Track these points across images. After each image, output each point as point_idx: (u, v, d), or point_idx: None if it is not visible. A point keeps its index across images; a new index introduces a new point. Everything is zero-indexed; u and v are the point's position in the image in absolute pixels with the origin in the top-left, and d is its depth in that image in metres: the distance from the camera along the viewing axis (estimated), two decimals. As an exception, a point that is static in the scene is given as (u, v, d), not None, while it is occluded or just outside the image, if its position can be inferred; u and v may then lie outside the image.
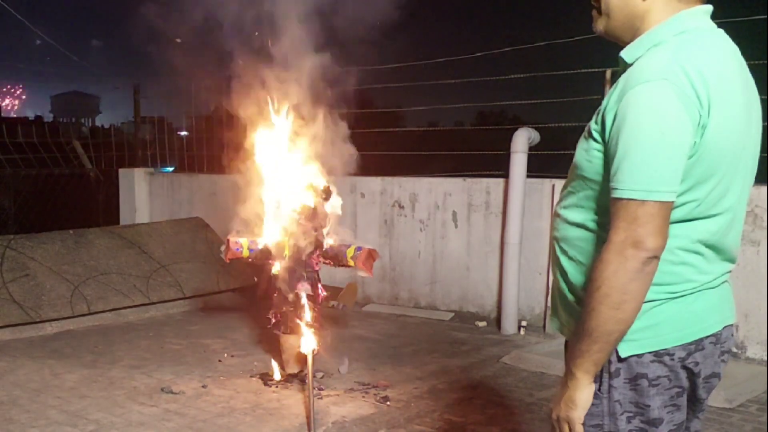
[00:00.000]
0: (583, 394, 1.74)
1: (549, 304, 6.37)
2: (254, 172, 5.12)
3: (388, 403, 4.54)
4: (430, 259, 7.25)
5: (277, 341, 5.05)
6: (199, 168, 9.39)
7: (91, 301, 6.69)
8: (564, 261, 1.89)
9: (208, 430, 4.11)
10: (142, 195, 9.73)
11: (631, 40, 1.80)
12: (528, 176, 6.48)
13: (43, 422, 4.19)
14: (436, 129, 10.41)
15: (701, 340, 1.80)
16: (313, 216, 4.84)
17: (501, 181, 6.73)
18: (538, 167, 6.66)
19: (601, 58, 6.77)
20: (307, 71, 4.98)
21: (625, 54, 1.79)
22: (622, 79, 1.72)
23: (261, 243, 5.01)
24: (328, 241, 4.97)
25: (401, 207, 7.44)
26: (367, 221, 7.57)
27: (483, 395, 4.75)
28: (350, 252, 4.80)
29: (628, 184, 1.63)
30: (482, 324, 6.68)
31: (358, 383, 4.88)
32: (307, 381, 4.44)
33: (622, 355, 1.76)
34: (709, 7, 1.83)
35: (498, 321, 6.59)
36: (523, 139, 6.43)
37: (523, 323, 6.47)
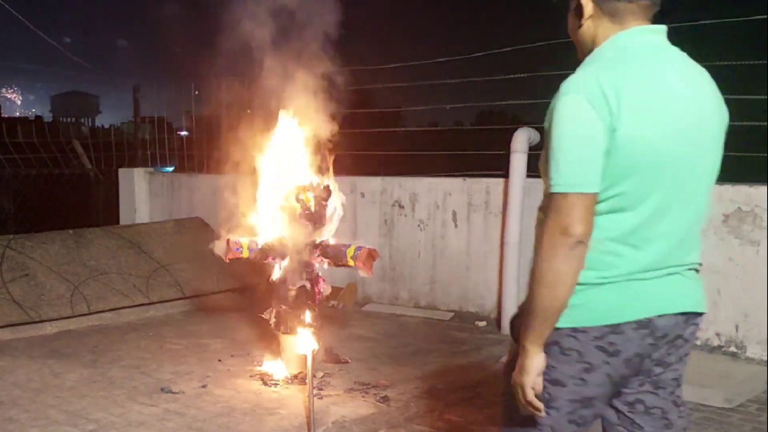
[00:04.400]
0: (533, 362, 1.97)
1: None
2: (254, 172, 5.12)
3: (388, 403, 4.54)
4: (430, 258, 7.25)
5: (277, 341, 5.05)
6: (199, 168, 9.39)
7: (91, 300, 6.69)
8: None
9: (208, 430, 4.11)
10: (142, 195, 9.72)
11: None
12: (528, 176, 6.47)
13: (43, 422, 4.19)
14: (436, 129, 10.43)
15: (618, 325, 1.98)
16: (313, 215, 4.84)
17: (501, 180, 6.73)
18: (537, 167, 6.65)
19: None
20: (308, 72, 4.99)
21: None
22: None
23: (260, 242, 5.01)
24: (329, 241, 4.97)
25: (401, 207, 7.43)
26: (367, 221, 7.57)
27: (483, 395, 4.74)
28: (350, 252, 4.80)
29: (554, 180, 1.90)
30: (482, 324, 6.68)
31: (358, 383, 4.88)
32: (306, 381, 4.44)
33: None
34: (652, 27, 2.03)
35: (498, 321, 6.59)
36: (523, 139, 6.43)
37: (523, 323, 6.46)
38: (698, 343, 5.72)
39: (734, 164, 6.59)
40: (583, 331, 1.98)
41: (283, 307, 4.91)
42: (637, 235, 1.96)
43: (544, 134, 1.98)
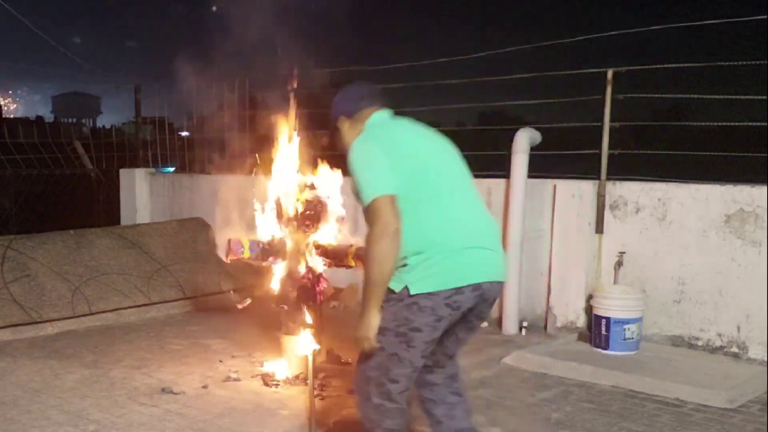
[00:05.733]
0: (374, 320, 2.78)
1: (549, 303, 6.37)
2: (255, 172, 5.12)
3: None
4: (431, 259, 7.23)
5: (279, 342, 5.05)
6: (200, 168, 9.39)
7: (92, 301, 6.69)
8: None
9: (209, 431, 4.11)
10: (143, 195, 9.73)
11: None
12: (529, 176, 6.47)
13: (43, 422, 4.19)
14: (437, 129, 10.42)
15: (461, 288, 2.78)
16: (314, 215, 4.84)
17: (502, 181, 6.72)
18: (539, 167, 6.65)
19: (602, 58, 6.76)
20: (310, 72, 4.98)
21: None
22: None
23: (261, 243, 5.00)
24: (330, 241, 4.96)
25: (402, 207, 7.42)
26: (368, 221, 7.55)
27: (484, 396, 4.74)
28: (351, 252, 4.79)
29: (366, 193, 2.74)
30: (483, 324, 6.65)
31: (359, 384, 4.86)
32: (308, 382, 4.44)
33: (412, 292, 2.76)
34: (385, 111, 3.12)
35: (499, 321, 6.58)
36: (524, 140, 6.42)
37: (525, 324, 6.46)
38: (700, 343, 5.72)
39: (735, 164, 6.62)
40: (436, 294, 2.75)
41: (285, 307, 4.90)
42: (447, 224, 2.79)
43: (351, 174, 2.81)
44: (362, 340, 2.80)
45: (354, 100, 3.17)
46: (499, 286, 2.93)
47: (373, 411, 2.92)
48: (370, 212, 2.71)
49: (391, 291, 2.81)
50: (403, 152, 2.84)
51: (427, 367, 3.05)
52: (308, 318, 4.79)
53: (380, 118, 3.09)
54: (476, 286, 2.81)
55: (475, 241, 2.84)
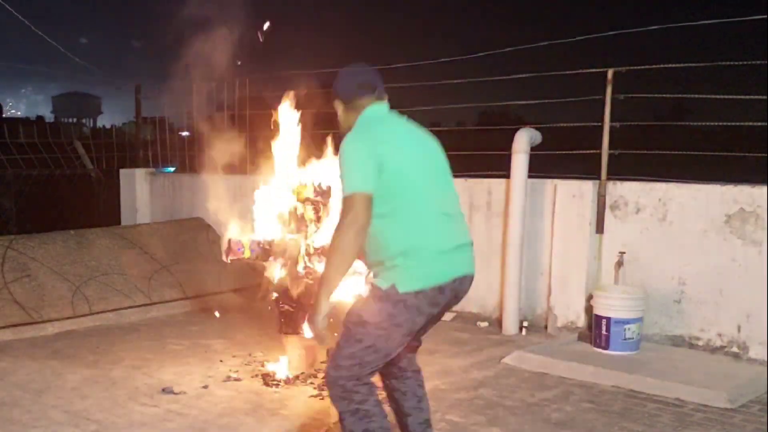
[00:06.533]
0: (324, 307, 2.92)
1: (550, 303, 6.36)
2: (255, 172, 5.12)
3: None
4: (431, 259, 7.23)
5: (279, 342, 5.05)
6: (200, 168, 9.37)
7: (93, 301, 6.70)
8: None
9: (210, 431, 4.12)
10: (144, 195, 9.73)
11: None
12: (530, 176, 6.47)
13: (44, 423, 4.19)
14: (437, 129, 10.42)
15: (443, 286, 2.96)
16: (315, 215, 4.84)
17: (503, 181, 6.72)
18: (539, 167, 6.65)
19: (602, 58, 6.76)
20: (309, 72, 4.98)
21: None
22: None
23: (262, 243, 5.00)
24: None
25: (402, 207, 7.41)
26: (369, 221, 7.54)
27: (484, 396, 4.74)
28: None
29: (345, 187, 2.90)
30: (484, 324, 6.67)
31: (360, 384, 4.87)
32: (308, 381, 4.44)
33: (400, 291, 2.90)
34: (382, 103, 3.22)
35: (499, 321, 6.59)
36: (524, 140, 6.42)
37: (525, 323, 6.46)
38: (700, 343, 5.72)
39: (735, 164, 6.61)
40: (422, 292, 2.91)
41: (286, 307, 4.91)
42: (426, 227, 2.96)
43: (339, 168, 2.95)
44: (313, 325, 2.96)
45: (351, 85, 3.24)
46: (470, 279, 3.11)
47: (343, 393, 3.03)
48: (345, 204, 2.89)
49: (377, 288, 2.96)
50: (388, 157, 2.96)
51: (398, 357, 3.19)
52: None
53: (374, 113, 3.17)
54: (452, 283, 3.00)
55: (452, 241, 3.04)
